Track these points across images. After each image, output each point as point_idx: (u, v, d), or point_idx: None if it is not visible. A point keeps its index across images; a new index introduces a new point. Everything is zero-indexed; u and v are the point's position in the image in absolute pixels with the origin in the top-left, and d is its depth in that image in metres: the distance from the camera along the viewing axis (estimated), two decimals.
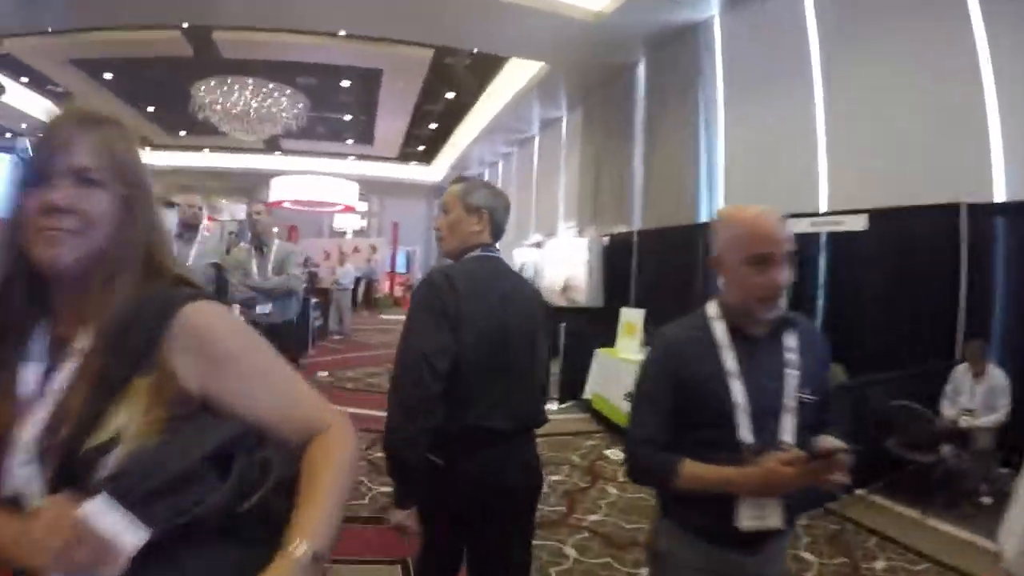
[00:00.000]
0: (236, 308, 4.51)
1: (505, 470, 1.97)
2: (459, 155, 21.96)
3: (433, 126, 19.66)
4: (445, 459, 1.89)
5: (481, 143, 19.48)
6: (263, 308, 4.63)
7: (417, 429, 1.78)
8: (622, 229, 11.54)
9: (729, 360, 1.59)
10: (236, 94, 16.68)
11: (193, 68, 15.34)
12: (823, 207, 7.28)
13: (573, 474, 4.97)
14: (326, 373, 7.73)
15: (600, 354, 6.96)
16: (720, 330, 1.64)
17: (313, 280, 11.79)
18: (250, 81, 16.27)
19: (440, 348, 1.83)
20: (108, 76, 16.30)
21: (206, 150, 24.16)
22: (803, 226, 6.70)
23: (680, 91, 9.90)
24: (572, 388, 7.33)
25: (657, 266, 10.03)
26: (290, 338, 5.17)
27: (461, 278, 1.94)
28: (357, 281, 17.98)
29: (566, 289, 11.72)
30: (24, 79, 16.43)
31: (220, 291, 4.30)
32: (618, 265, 11.01)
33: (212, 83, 16.29)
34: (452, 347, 1.85)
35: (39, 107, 17.63)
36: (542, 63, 12.34)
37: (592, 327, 8.69)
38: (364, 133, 21.35)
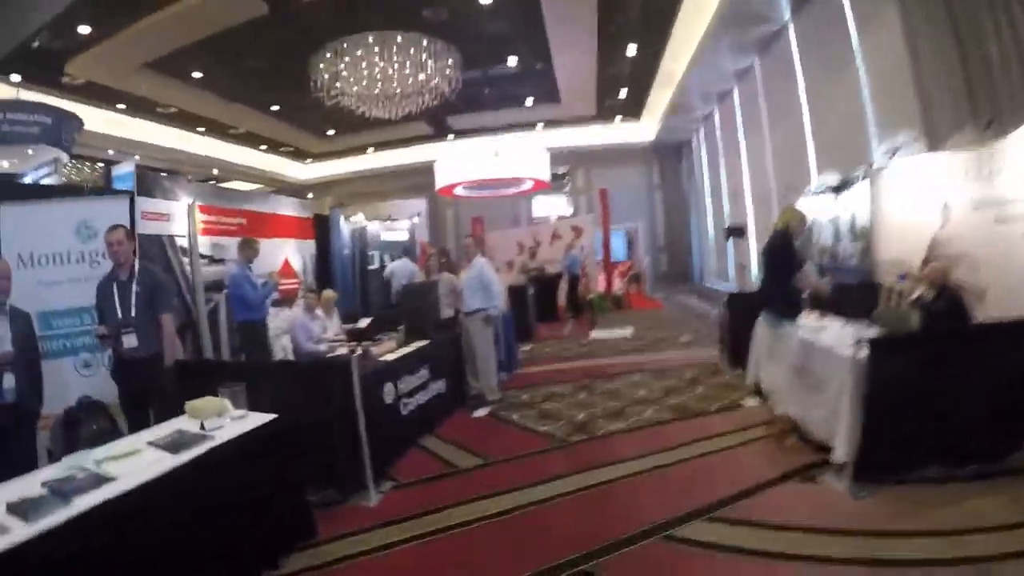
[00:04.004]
0: None
1: None
2: (674, 94, 15.96)
3: (631, 50, 13.89)
4: None
5: (702, 63, 13.32)
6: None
7: None
8: None
9: None
10: (364, 63, 12.66)
11: (284, 33, 11.74)
12: None
13: None
14: None
15: None
16: None
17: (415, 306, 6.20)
18: (371, 38, 12.04)
19: None
20: (197, 75, 13.57)
21: (370, 149, 21.46)
22: None
23: None
24: None
25: None
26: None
27: None
28: (548, 280, 12.80)
29: (933, 261, 5.45)
30: (120, 105, 14.73)
31: None
32: None
33: (327, 55, 12.38)
34: None
35: (148, 131, 16.26)
36: None
37: None
38: (544, 86, 16.36)
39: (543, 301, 11.69)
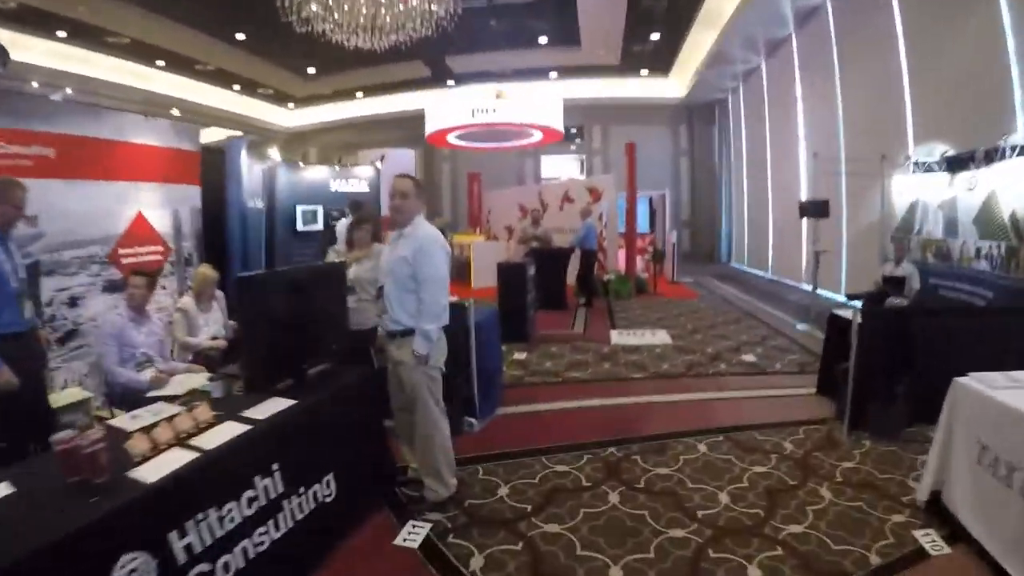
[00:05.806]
0: None
1: None
2: (716, 39, 13.19)
3: None
4: None
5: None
6: None
7: None
8: None
9: None
10: None
11: None
12: None
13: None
14: None
15: None
16: None
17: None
18: None
19: None
20: None
21: (359, 94, 18.81)
22: None
23: None
24: None
25: None
26: None
27: None
28: (553, 254, 9.92)
29: None
30: (61, 33, 12.86)
31: None
32: None
33: None
34: None
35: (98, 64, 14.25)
36: None
37: None
38: (562, 23, 13.60)
39: (546, 282, 8.98)
